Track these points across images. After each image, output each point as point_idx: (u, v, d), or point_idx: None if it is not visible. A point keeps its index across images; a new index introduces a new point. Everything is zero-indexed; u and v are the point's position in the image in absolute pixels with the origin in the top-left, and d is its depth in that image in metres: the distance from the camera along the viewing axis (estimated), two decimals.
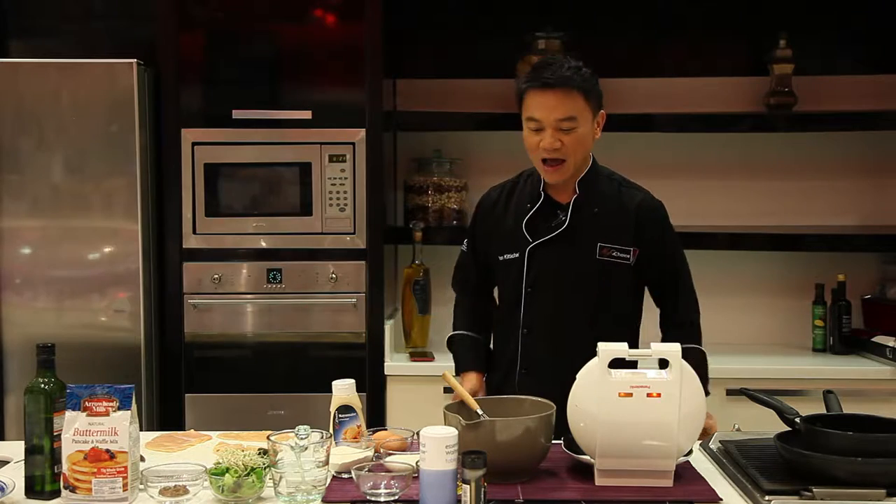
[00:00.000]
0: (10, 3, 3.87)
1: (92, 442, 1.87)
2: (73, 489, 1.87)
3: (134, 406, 1.92)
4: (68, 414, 1.89)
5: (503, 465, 1.91)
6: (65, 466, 1.88)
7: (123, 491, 1.87)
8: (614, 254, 2.48)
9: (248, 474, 1.87)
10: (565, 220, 2.48)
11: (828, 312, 3.81)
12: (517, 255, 2.51)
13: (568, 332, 2.48)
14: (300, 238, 3.52)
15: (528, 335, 2.52)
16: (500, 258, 2.56)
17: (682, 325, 2.55)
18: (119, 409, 1.89)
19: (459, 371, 2.63)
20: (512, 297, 2.55)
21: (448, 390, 2.53)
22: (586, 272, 2.48)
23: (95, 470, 1.87)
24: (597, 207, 2.50)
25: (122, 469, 1.87)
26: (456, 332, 2.70)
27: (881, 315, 3.83)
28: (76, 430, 1.88)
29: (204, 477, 1.89)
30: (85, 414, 1.88)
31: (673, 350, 1.94)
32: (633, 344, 2.51)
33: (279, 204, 3.52)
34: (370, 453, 2.05)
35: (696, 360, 2.32)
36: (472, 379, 2.58)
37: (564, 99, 2.38)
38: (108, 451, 1.87)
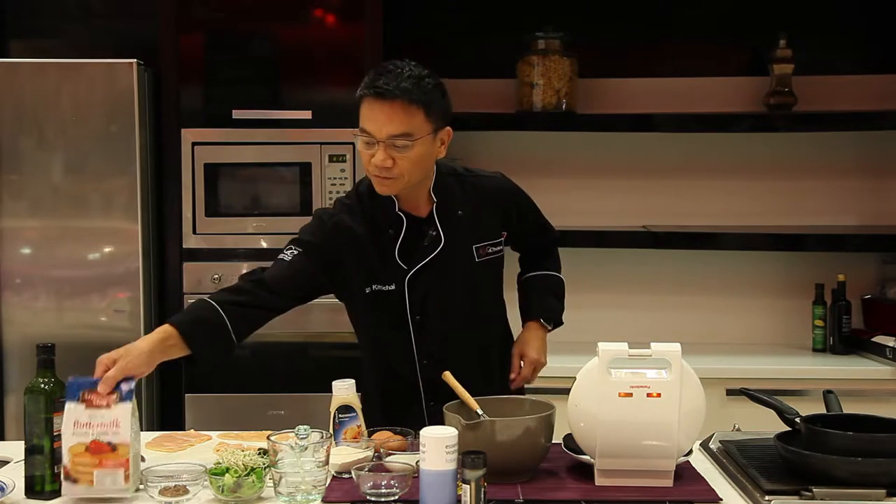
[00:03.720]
0: (10, 3, 3.88)
1: (93, 434, 1.88)
2: (74, 481, 1.87)
3: (134, 401, 1.92)
4: (68, 405, 1.89)
5: (503, 465, 1.91)
6: (66, 459, 1.88)
7: (125, 483, 1.87)
8: (489, 250, 2.34)
9: (248, 474, 1.87)
10: (437, 234, 2.27)
11: (828, 312, 3.81)
12: (392, 286, 2.26)
13: (472, 349, 2.34)
14: None
15: (428, 366, 2.29)
16: (368, 290, 2.27)
17: (550, 253, 2.57)
18: (120, 401, 1.90)
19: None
20: (392, 329, 2.29)
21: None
22: (472, 280, 2.32)
23: (97, 462, 1.87)
24: (459, 210, 2.30)
25: (124, 461, 1.87)
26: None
27: (881, 315, 3.83)
28: (77, 422, 1.88)
29: (204, 477, 1.89)
30: (84, 406, 1.89)
31: (673, 350, 1.93)
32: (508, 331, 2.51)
33: (279, 204, 3.52)
34: (370, 453, 2.04)
35: (558, 285, 2.52)
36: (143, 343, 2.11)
37: (399, 113, 2.10)
38: (109, 443, 1.88)
